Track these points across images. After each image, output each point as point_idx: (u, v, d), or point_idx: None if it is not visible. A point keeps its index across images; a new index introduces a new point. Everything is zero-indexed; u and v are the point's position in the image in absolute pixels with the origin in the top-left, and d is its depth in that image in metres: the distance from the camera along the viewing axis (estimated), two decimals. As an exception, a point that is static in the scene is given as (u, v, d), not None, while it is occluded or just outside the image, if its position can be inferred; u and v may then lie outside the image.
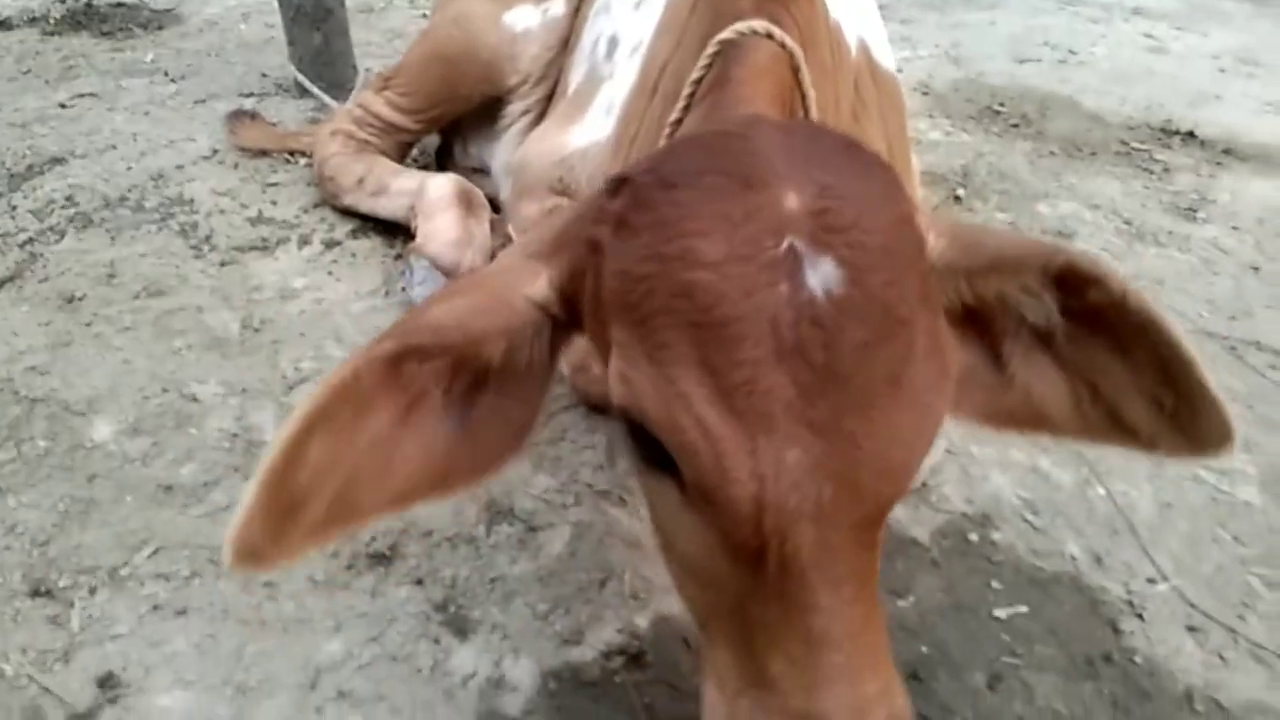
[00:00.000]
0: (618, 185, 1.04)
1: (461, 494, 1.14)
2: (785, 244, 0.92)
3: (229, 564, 0.95)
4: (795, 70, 1.44)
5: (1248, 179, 3.46)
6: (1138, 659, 1.66)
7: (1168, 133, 3.80)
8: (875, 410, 0.92)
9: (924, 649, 1.65)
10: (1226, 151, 3.67)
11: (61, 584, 1.68)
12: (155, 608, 1.65)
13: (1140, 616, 1.74)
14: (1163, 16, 5.41)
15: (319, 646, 1.60)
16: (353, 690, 1.54)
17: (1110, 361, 1.10)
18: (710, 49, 1.44)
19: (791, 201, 0.94)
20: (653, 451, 0.99)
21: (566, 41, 2.53)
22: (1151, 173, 3.45)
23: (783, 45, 1.43)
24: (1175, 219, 3.11)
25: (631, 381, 0.98)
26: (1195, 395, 1.05)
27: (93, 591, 1.67)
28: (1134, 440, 1.11)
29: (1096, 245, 2.89)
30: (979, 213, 3.05)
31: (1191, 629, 1.72)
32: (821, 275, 0.91)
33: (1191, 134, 3.79)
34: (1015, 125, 3.80)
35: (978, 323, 1.14)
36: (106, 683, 1.53)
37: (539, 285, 1.10)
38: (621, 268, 0.99)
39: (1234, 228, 3.08)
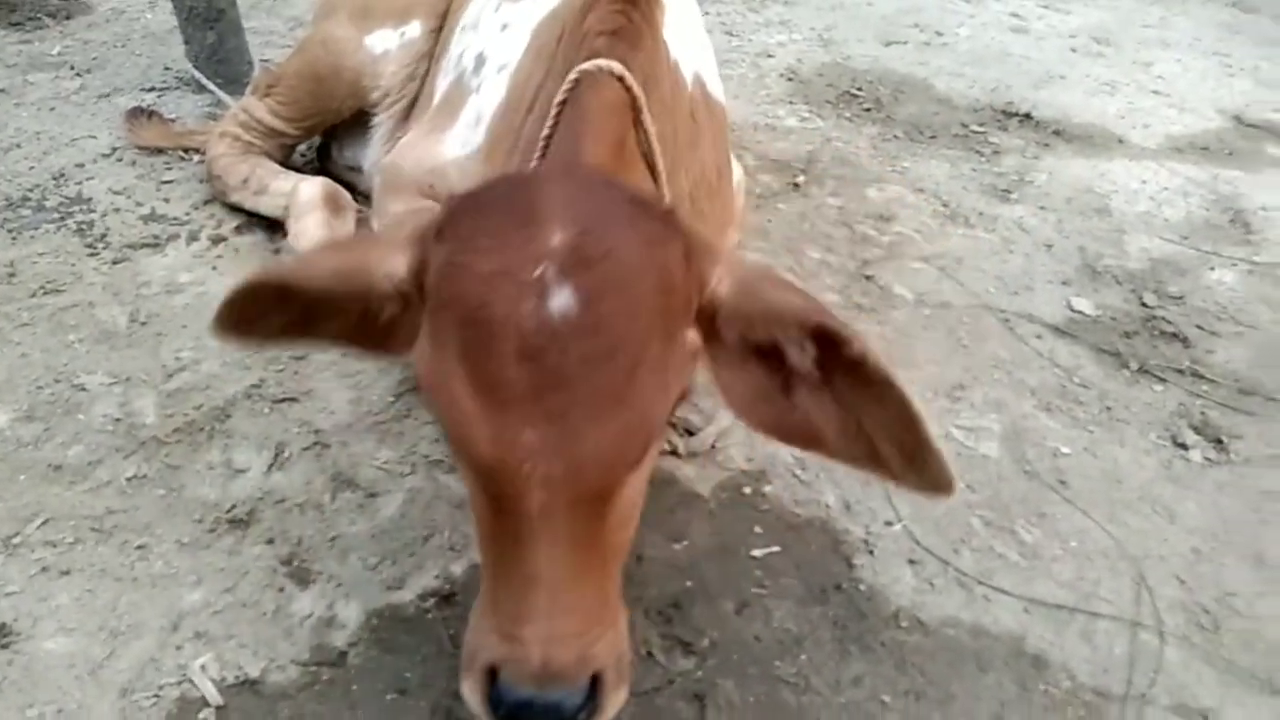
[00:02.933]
0: (449, 202, 1.35)
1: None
2: (539, 271, 1.19)
3: (212, 333, 1.37)
4: (637, 110, 1.75)
5: (1068, 160, 3.83)
6: (862, 587, 2.04)
7: (1007, 115, 4.16)
8: (598, 410, 1.20)
9: (688, 583, 2.01)
10: (1056, 133, 4.04)
11: (-38, 552, 1.99)
12: (43, 569, 1.97)
13: (871, 553, 2.11)
14: (1033, -5, 5.75)
15: (182, 597, 1.93)
16: (207, 631, 1.87)
17: (869, 405, 1.32)
18: (571, 76, 1.72)
19: (556, 238, 1.21)
20: None
21: (425, 58, 2.81)
22: (982, 155, 3.81)
23: (629, 89, 1.73)
24: (990, 200, 3.48)
25: (419, 356, 1.28)
26: (921, 445, 1.28)
27: (-11, 557, 1.98)
28: (885, 471, 1.34)
29: (911, 227, 3.25)
30: (814, 198, 3.39)
31: (912, 562, 2.10)
32: (561, 300, 1.18)
33: (1029, 115, 4.16)
34: (868, 109, 4.14)
35: (767, 351, 1.37)
36: (0, 631, 1.85)
37: (399, 265, 1.36)
38: (433, 267, 1.29)
39: (1041, 208, 3.46)
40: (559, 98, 1.74)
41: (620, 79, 1.73)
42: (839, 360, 1.32)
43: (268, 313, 1.40)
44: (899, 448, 1.33)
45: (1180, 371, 2.67)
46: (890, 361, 1.29)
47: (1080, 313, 2.90)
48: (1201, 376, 2.65)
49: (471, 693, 1.33)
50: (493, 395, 1.19)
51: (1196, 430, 2.46)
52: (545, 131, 1.75)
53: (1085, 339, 2.78)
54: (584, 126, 1.67)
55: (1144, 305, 2.95)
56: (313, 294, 1.38)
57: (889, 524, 2.18)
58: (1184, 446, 2.42)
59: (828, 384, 1.36)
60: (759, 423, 1.43)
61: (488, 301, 1.19)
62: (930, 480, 1.32)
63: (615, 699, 1.36)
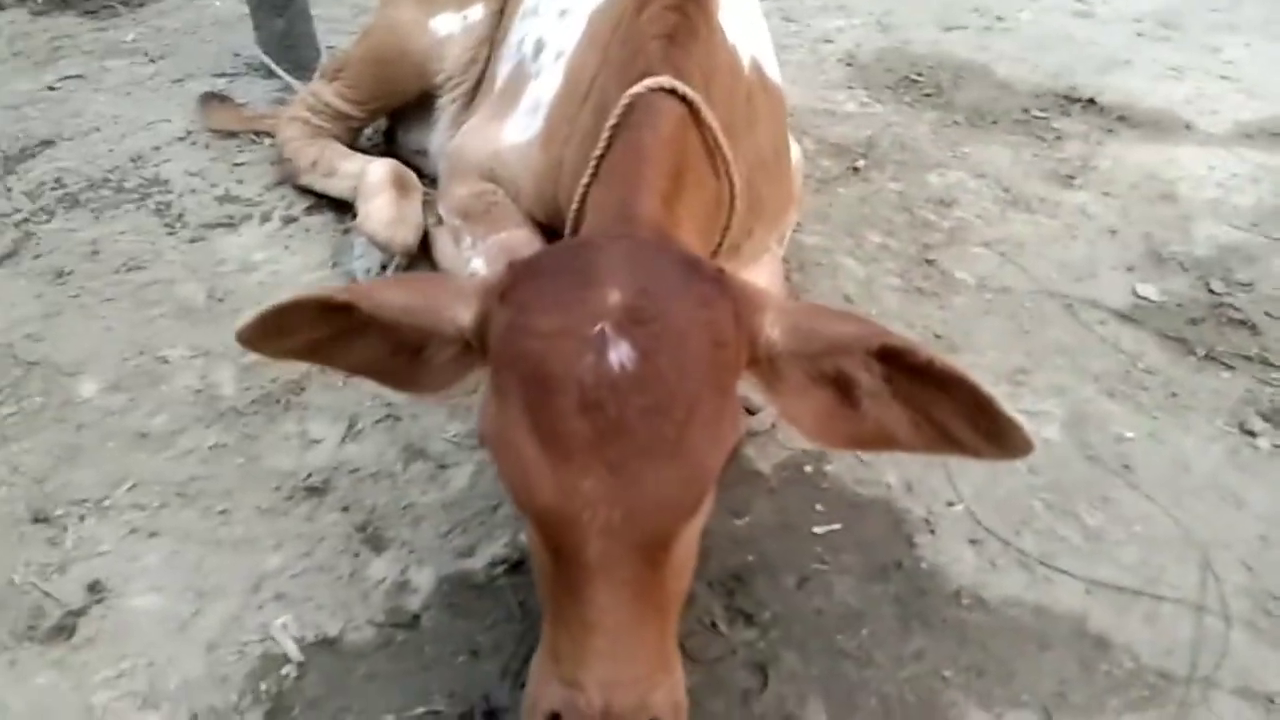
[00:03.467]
0: (512, 266, 1.44)
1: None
2: (598, 328, 1.27)
3: (237, 340, 1.41)
4: (696, 112, 1.77)
5: (1133, 146, 3.77)
6: (924, 565, 2.06)
7: (1070, 100, 4.11)
8: (656, 459, 1.26)
9: (749, 558, 2.05)
10: (1121, 118, 3.97)
11: (57, 513, 2.09)
12: (132, 531, 2.06)
13: (933, 532, 2.13)
14: (1097, -22, 5.64)
15: (262, 560, 2.01)
16: (287, 593, 1.95)
17: (936, 398, 1.39)
18: (624, 101, 1.75)
19: (613, 298, 1.29)
20: None
21: (487, 41, 2.86)
22: (1044, 140, 3.77)
23: (684, 97, 1.76)
24: (1052, 186, 3.44)
25: (482, 409, 1.36)
26: (998, 420, 1.34)
27: (82, 519, 2.08)
28: (962, 450, 1.42)
29: (973, 212, 3.24)
30: (874, 183, 3.39)
31: (973, 541, 2.11)
32: (620, 354, 1.26)
33: (1092, 101, 4.09)
34: (928, 94, 4.11)
35: (831, 377, 1.46)
36: (94, 588, 1.94)
37: (465, 315, 1.45)
38: (496, 327, 1.38)
39: (1105, 194, 3.42)
40: (611, 121, 1.76)
41: (674, 91, 1.75)
42: (904, 368, 1.40)
43: (305, 327, 1.47)
44: (973, 428, 1.39)
45: (1248, 358, 2.63)
46: (953, 360, 1.37)
47: (1145, 299, 2.87)
48: (1270, 364, 2.61)
49: None
50: (554, 447, 1.26)
51: (1265, 418, 2.43)
52: (598, 151, 1.79)
53: (1150, 325, 2.76)
54: (639, 165, 1.70)
55: (1211, 292, 2.91)
56: (376, 320, 1.45)
57: (950, 504, 2.19)
58: (1251, 434, 2.39)
59: (892, 388, 1.44)
60: (833, 440, 1.52)
61: (549, 358, 1.27)
62: (1008, 449, 1.38)
63: None
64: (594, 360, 1.25)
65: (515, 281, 1.40)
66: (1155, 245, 3.14)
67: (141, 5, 4.95)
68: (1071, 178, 3.50)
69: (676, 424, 1.27)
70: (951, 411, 1.40)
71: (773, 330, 1.43)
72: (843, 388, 1.47)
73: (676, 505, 1.32)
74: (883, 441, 1.49)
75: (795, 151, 2.68)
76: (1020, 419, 1.33)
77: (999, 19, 4.97)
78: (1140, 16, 5.10)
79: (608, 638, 1.30)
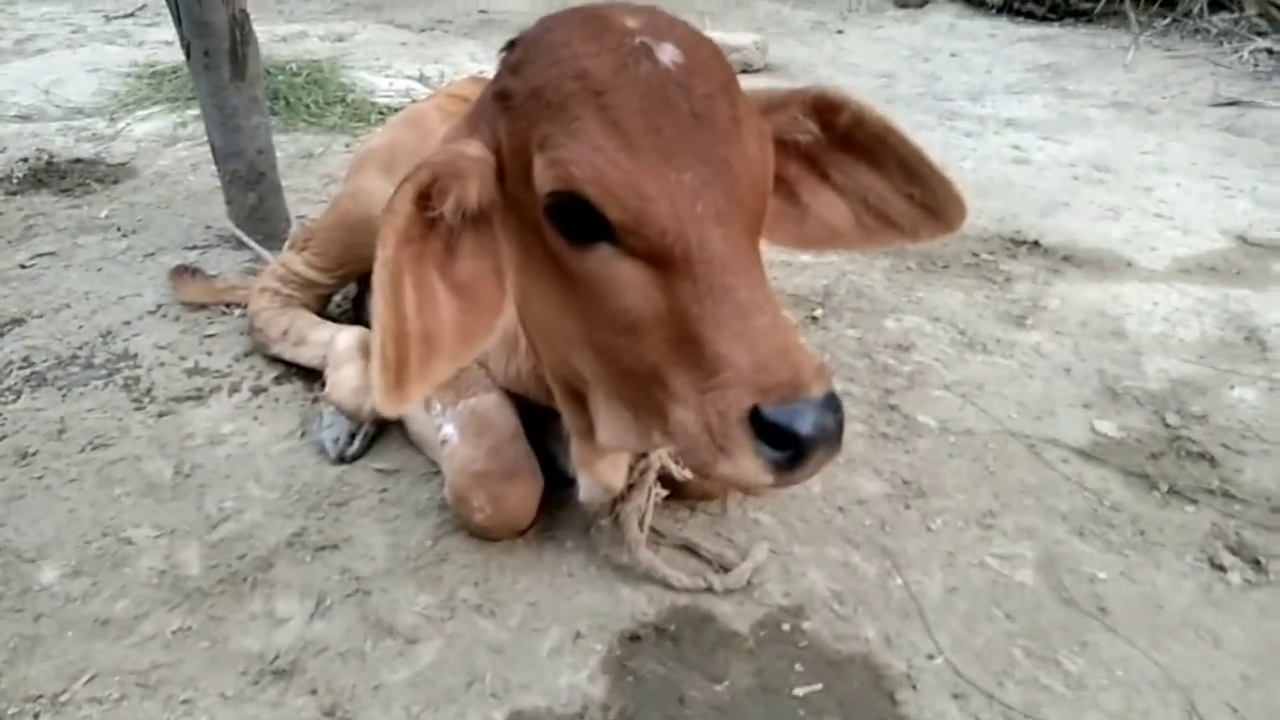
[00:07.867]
0: (510, 46, 1.52)
1: (485, 341, 1.52)
2: (636, 40, 1.38)
3: (382, 407, 1.38)
4: None
5: (1080, 285, 3.93)
6: (907, 724, 2.02)
7: (1016, 243, 4.29)
8: (732, 140, 1.37)
9: (730, 725, 2.00)
10: (1065, 258, 4.15)
11: (10, 711, 2.00)
12: (89, 727, 1.98)
13: (914, 687, 2.09)
14: (1031, 127, 5.98)
15: (226, 752, 1.93)
16: (252, 787, 1.87)
17: (870, 177, 1.53)
18: None
19: (631, 22, 1.41)
20: (580, 226, 1.38)
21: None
22: (994, 282, 3.91)
23: None
24: (1006, 327, 3.55)
25: (560, 159, 1.36)
26: (930, 179, 1.46)
27: (36, 717, 1.99)
28: (903, 234, 1.54)
29: (931, 356, 3.32)
30: (833, 330, 3.48)
31: (956, 696, 2.08)
32: (667, 54, 1.37)
33: (1037, 243, 4.28)
34: (880, 243, 4.27)
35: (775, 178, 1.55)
36: (47, 793, 1.85)
37: (474, 147, 1.50)
38: (530, 88, 1.42)
39: (1057, 332, 3.53)
40: None
41: None
42: (836, 135, 1.56)
43: None
44: (909, 201, 1.53)
45: (1210, 492, 2.67)
46: (888, 116, 1.54)
47: (1104, 435, 2.93)
48: (1232, 496, 2.66)
49: (742, 458, 1.30)
50: (648, 149, 1.33)
51: (1233, 551, 2.45)
52: None
53: (1112, 462, 2.80)
54: None
55: (1167, 426, 2.98)
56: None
57: (930, 657, 2.16)
58: (1222, 569, 2.40)
59: (826, 179, 1.61)
60: (783, 239, 1.64)
61: (610, 70, 1.35)
62: (946, 214, 1.53)
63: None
64: (649, 65, 1.35)
65: (529, 43, 1.47)
66: (1109, 381, 3.22)
67: (116, 183, 5.07)
68: (1024, 318, 3.62)
69: (734, 103, 1.39)
70: (887, 188, 1.53)
71: None
72: (788, 189, 1.61)
73: (761, 179, 1.41)
74: (828, 238, 1.61)
75: None
76: (950, 174, 1.49)
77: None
78: (1074, 161, 5.39)
79: (764, 313, 1.31)
